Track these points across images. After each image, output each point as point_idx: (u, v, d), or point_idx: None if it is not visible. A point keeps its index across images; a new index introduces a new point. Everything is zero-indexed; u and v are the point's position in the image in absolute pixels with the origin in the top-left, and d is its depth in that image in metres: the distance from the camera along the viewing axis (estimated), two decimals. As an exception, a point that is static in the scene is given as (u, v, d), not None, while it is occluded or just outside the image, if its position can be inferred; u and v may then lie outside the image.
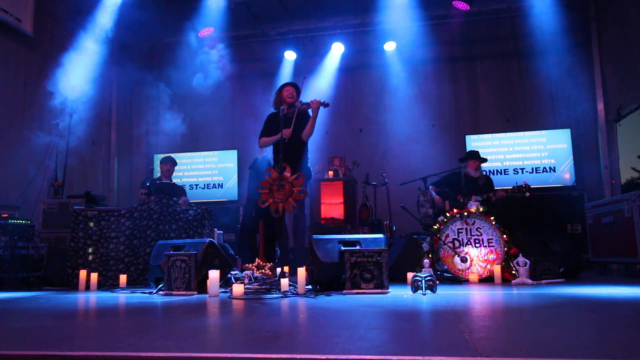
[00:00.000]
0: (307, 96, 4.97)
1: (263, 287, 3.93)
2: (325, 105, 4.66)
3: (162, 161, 5.89)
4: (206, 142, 8.59)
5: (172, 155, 6.23)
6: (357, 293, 3.42)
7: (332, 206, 6.68)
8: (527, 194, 4.89)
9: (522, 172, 7.29)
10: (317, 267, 3.74)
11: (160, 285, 3.88)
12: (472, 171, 5.43)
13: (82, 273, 4.41)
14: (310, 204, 7.02)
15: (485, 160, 5.65)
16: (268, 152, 6.45)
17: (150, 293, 3.85)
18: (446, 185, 5.53)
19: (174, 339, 1.85)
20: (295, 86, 4.93)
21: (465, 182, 5.43)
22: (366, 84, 8.30)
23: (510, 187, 5.05)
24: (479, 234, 4.63)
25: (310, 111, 4.75)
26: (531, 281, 4.15)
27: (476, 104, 7.98)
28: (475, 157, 5.54)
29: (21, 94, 6.39)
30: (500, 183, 6.93)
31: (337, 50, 8.10)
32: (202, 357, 1.52)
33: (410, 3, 7.27)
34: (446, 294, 3.35)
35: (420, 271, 3.83)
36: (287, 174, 4.32)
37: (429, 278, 3.30)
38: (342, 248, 3.65)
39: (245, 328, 2.14)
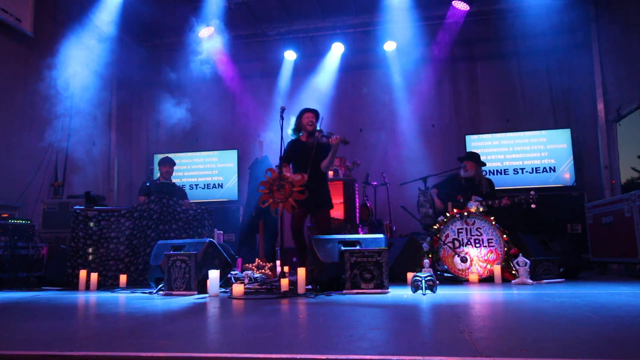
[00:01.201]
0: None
1: (263, 287, 3.94)
2: (346, 142, 4.58)
3: (161, 163, 5.79)
4: (206, 142, 8.59)
5: (172, 155, 6.22)
6: (357, 293, 3.42)
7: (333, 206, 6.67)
8: (533, 205, 4.84)
9: (522, 172, 7.29)
10: (317, 267, 3.74)
11: (161, 285, 3.88)
12: (470, 172, 5.41)
13: (82, 273, 4.41)
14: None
15: (484, 164, 5.62)
16: (268, 152, 6.46)
17: (150, 293, 3.85)
18: (448, 187, 5.52)
19: (174, 339, 1.85)
20: (315, 112, 4.73)
21: (465, 183, 5.42)
22: (366, 84, 8.30)
23: (516, 196, 4.99)
24: (479, 234, 4.63)
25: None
26: (531, 281, 4.15)
27: (476, 104, 7.98)
28: (472, 158, 5.51)
29: (21, 94, 6.39)
30: (501, 183, 6.93)
31: (337, 50, 8.10)
32: (202, 357, 1.53)
33: (410, 3, 7.27)
34: (446, 294, 3.35)
35: (420, 271, 3.83)
36: (287, 174, 4.32)
37: (429, 278, 3.30)
38: (342, 248, 3.65)
39: (245, 328, 2.14)
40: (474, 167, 5.43)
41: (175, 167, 5.96)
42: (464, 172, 5.44)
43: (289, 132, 4.76)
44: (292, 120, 4.80)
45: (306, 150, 4.52)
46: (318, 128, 4.66)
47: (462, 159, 5.60)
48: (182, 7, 7.51)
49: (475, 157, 5.53)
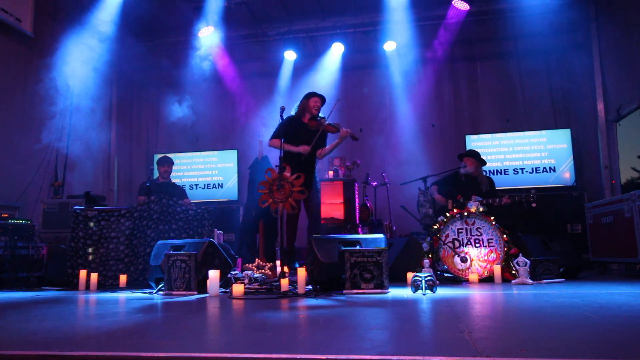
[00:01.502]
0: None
1: (263, 287, 3.93)
2: (355, 138, 4.58)
3: (159, 162, 5.75)
4: (206, 142, 8.59)
5: (172, 155, 6.21)
6: (357, 293, 3.42)
7: (332, 206, 6.67)
8: (534, 204, 4.86)
9: (522, 172, 7.29)
10: (317, 267, 3.73)
11: (161, 285, 3.88)
12: (470, 169, 5.41)
13: (82, 273, 4.41)
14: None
15: (484, 162, 5.62)
16: (268, 152, 6.45)
17: (150, 293, 3.85)
18: (448, 185, 5.51)
19: (174, 339, 1.85)
20: (322, 98, 4.80)
21: (466, 181, 5.41)
22: (366, 84, 8.30)
23: (517, 196, 4.99)
24: (479, 234, 4.63)
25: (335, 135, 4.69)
26: (531, 281, 4.15)
27: (476, 104, 7.97)
28: (472, 155, 5.52)
29: (21, 94, 6.39)
30: (501, 183, 6.93)
31: (337, 50, 8.10)
32: (202, 357, 1.53)
33: (410, 3, 7.27)
34: (446, 294, 3.35)
35: (420, 271, 3.83)
36: (287, 174, 4.32)
37: (429, 278, 3.30)
38: (342, 248, 3.65)
39: (245, 328, 2.14)
40: (475, 164, 5.43)
41: (175, 167, 5.95)
42: (464, 169, 5.44)
43: (292, 111, 4.80)
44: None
45: (306, 132, 4.56)
46: (322, 115, 4.69)
47: (462, 156, 5.60)
48: (182, 6, 7.51)
49: (475, 154, 5.53)
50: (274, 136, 4.71)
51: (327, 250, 3.74)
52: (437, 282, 3.61)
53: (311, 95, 4.81)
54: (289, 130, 4.67)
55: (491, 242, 4.59)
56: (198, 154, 8.40)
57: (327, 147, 4.74)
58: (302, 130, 4.63)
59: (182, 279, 3.72)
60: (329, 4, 7.71)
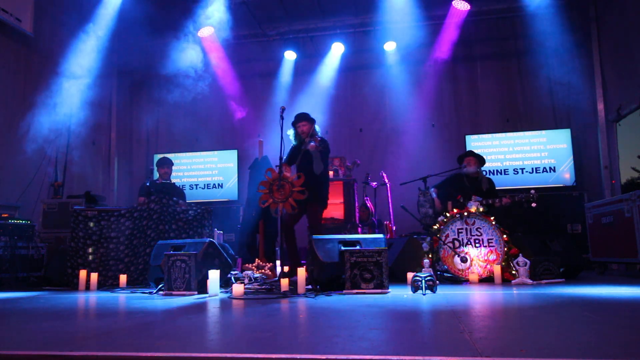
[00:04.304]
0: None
1: (263, 287, 3.94)
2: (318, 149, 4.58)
3: (159, 164, 5.70)
4: (206, 142, 8.59)
5: (172, 155, 6.21)
6: (357, 293, 3.42)
7: (332, 206, 6.66)
8: (534, 204, 4.84)
9: (522, 172, 7.29)
10: (317, 267, 3.74)
11: (161, 285, 3.88)
12: (471, 168, 5.37)
13: (82, 273, 4.41)
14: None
15: (484, 161, 5.60)
16: (268, 152, 6.46)
17: (150, 293, 3.85)
18: (449, 187, 5.49)
19: (173, 339, 1.85)
20: (303, 119, 4.81)
21: (468, 181, 5.39)
22: (366, 84, 8.30)
23: (517, 196, 4.98)
24: (479, 234, 4.63)
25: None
26: (531, 281, 4.15)
27: (476, 104, 7.97)
28: (472, 154, 5.50)
29: (21, 94, 6.39)
30: (501, 183, 6.92)
31: (337, 50, 8.10)
32: (202, 357, 1.53)
33: (410, 3, 7.27)
34: (446, 294, 3.35)
35: (420, 271, 3.83)
36: (287, 174, 4.32)
37: (429, 278, 3.30)
38: (342, 248, 3.65)
39: (245, 328, 2.14)
40: (476, 163, 5.41)
41: (175, 167, 5.93)
42: (466, 169, 5.39)
43: (290, 137, 4.83)
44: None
45: (300, 154, 4.60)
46: (314, 132, 4.71)
47: (462, 157, 5.56)
48: (182, 6, 7.51)
49: (474, 153, 5.51)
50: (285, 162, 4.60)
51: (327, 250, 3.74)
52: (437, 282, 3.61)
53: (295, 121, 4.82)
54: (292, 159, 4.72)
55: (491, 242, 4.59)
56: (198, 154, 8.40)
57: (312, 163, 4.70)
58: (297, 155, 4.64)
59: (182, 279, 3.72)
60: (329, 4, 7.70)
